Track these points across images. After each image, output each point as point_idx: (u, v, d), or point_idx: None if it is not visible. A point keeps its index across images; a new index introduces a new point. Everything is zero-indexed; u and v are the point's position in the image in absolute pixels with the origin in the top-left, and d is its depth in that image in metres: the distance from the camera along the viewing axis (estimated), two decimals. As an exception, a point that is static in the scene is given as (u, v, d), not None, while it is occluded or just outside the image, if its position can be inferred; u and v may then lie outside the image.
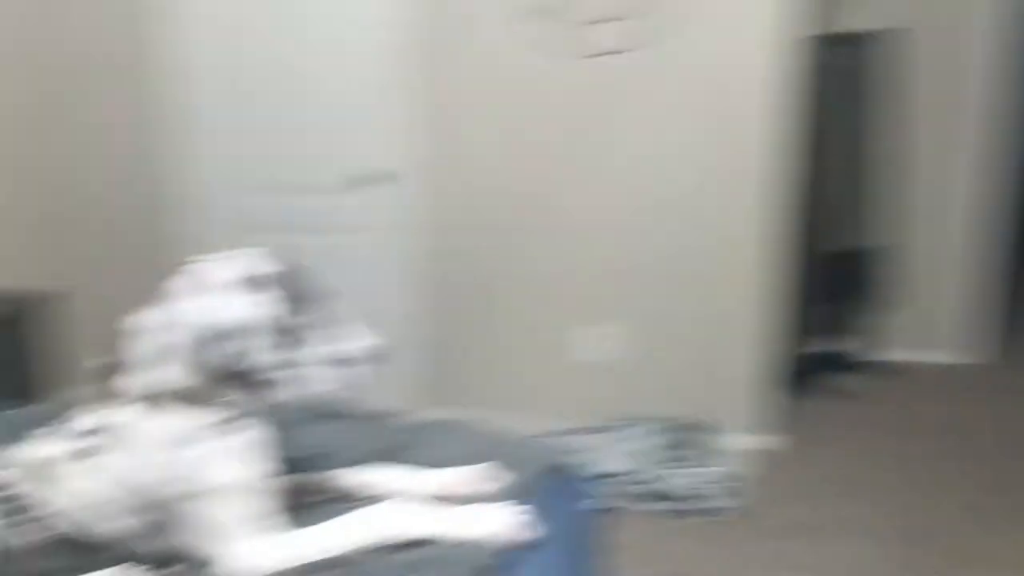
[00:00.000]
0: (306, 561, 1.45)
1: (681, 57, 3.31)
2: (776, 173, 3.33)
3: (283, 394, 1.55)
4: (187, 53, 3.65)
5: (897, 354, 4.41)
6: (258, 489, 1.50)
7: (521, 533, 1.50)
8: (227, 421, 1.52)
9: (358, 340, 1.58)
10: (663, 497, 3.11)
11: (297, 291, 1.56)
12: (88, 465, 1.50)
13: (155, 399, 1.51)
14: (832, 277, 4.16)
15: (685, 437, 3.37)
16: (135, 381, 1.53)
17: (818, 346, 4.26)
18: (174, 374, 1.51)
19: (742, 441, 3.48)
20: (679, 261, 3.46)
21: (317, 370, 1.55)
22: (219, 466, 1.49)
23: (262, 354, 1.52)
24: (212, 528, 1.47)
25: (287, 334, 1.53)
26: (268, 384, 1.54)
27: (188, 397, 1.51)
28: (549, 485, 1.74)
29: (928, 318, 4.44)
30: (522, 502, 1.58)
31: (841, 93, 4.09)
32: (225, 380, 1.52)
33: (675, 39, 3.28)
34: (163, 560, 1.51)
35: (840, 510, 3.14)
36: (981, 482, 3.35)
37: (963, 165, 4.33)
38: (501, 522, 1.50)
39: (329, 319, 1.58)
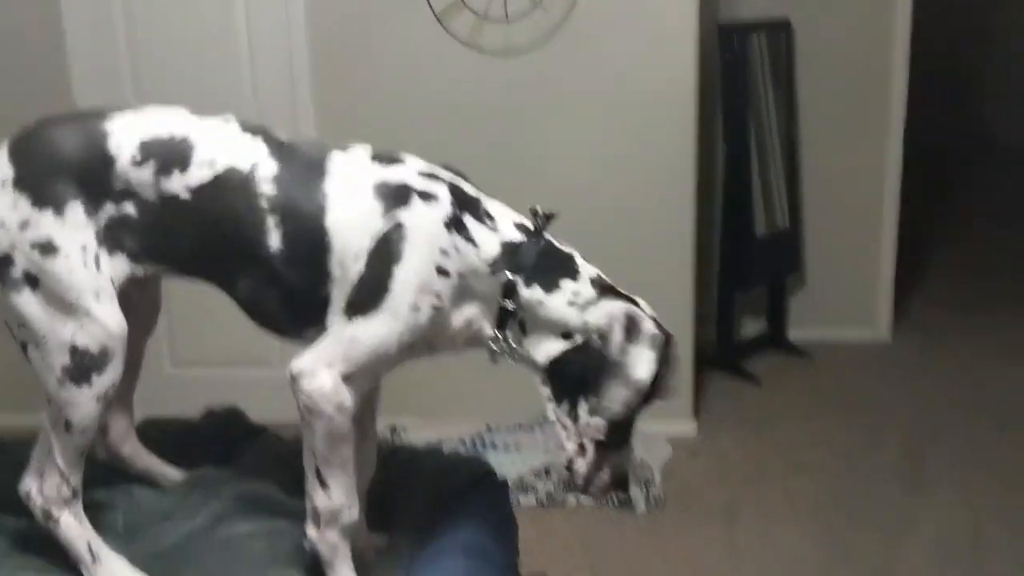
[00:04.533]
0: None
1: (598, 52, 3.44)
2: (699, 160, 3.52)
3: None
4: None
5: (797, 334, 4.61)
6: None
7: None
8: None
9: None
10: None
11: None
12: None
13: None
14: (757, 260, 4.32)
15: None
16: None
17: (732, 330, 4.41)
18: None
19: (656, 429, 3.60)
20: (603, 252, 3.54)
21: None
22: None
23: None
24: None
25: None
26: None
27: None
28: (471, 493, 1.82)
29: (826, 298, 4.64)
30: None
31: (757, 79, 4.24)
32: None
33: (590, 35, 3.40)
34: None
35: (753, 494, 3.30)
36: (886, 456, 3.54)
37: (858, 148, 4.53)
38: None
39: None
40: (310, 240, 1.47)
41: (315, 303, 1.49)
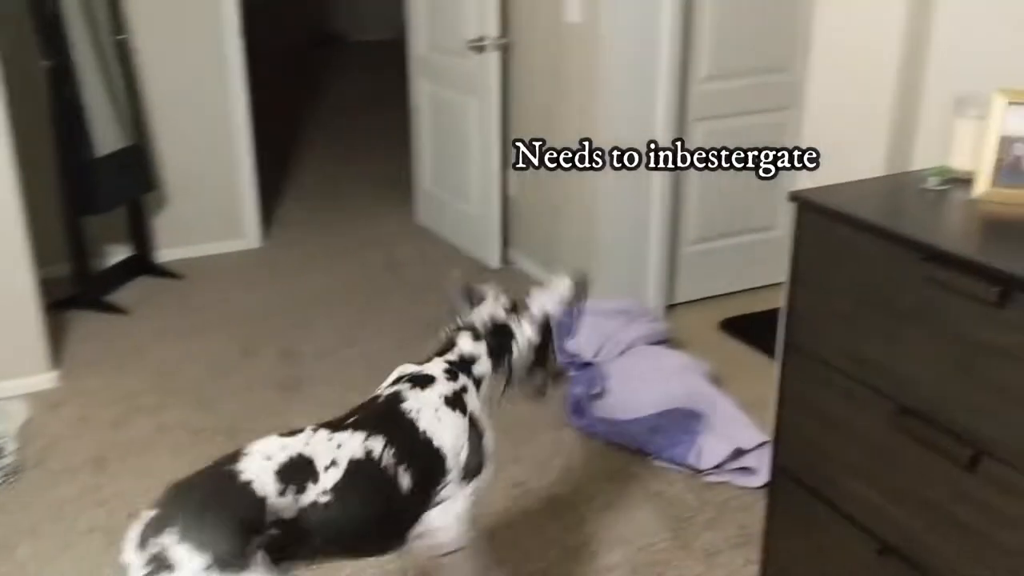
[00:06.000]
0: None
1: None
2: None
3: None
4: None
5: (168, 255, 4.44)
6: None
7: None
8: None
9: None
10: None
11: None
12: None
13: None
14: (103, 183, 3.94)
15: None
16: None
17: (89, 262, 4.08)
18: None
19: (8, 389, 3.22)
20: None
21: None
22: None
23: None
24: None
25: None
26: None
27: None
28: None
29: (191, 214, 4.50)
30: None
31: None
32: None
33: None
34: None
35: (124, 433, 3.11)
36: (263, 360, 3.58)
37: (198, 54, 4.37)
38: None
39: None
40: (430, 465, 1.79)
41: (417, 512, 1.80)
